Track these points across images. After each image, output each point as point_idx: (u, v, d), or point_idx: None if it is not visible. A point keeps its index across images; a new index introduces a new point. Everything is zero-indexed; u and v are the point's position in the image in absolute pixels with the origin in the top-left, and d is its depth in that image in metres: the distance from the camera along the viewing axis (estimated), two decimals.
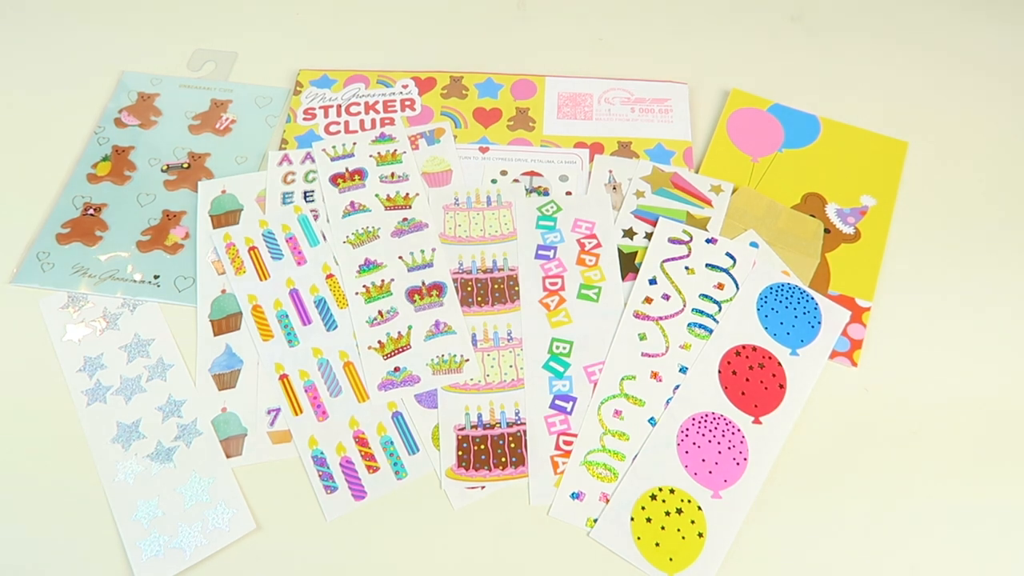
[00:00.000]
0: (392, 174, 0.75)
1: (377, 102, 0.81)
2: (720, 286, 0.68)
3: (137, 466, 0.60)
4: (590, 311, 0.67)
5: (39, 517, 0.58)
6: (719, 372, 0.64)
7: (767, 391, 0.63)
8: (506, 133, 0.79)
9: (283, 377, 0.64)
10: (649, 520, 0.58)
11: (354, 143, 0.77)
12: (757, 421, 0.62)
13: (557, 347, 0.65)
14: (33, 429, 0.62)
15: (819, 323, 0.67)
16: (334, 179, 0.74)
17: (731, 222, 0.72)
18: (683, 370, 0.64)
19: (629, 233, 0.72)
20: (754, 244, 0.71)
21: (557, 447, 0.61)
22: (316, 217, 0.72)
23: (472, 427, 0.62)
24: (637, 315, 0.67)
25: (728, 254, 0.70)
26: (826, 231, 0.72)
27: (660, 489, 0.59)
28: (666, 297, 0.68)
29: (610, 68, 0.84)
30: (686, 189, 0.74)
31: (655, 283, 0.68)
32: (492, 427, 0.62)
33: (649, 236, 0.71)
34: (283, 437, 0.62)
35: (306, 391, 0.64)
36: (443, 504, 0.59)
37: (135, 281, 0.69)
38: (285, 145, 0.77)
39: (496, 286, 0.69)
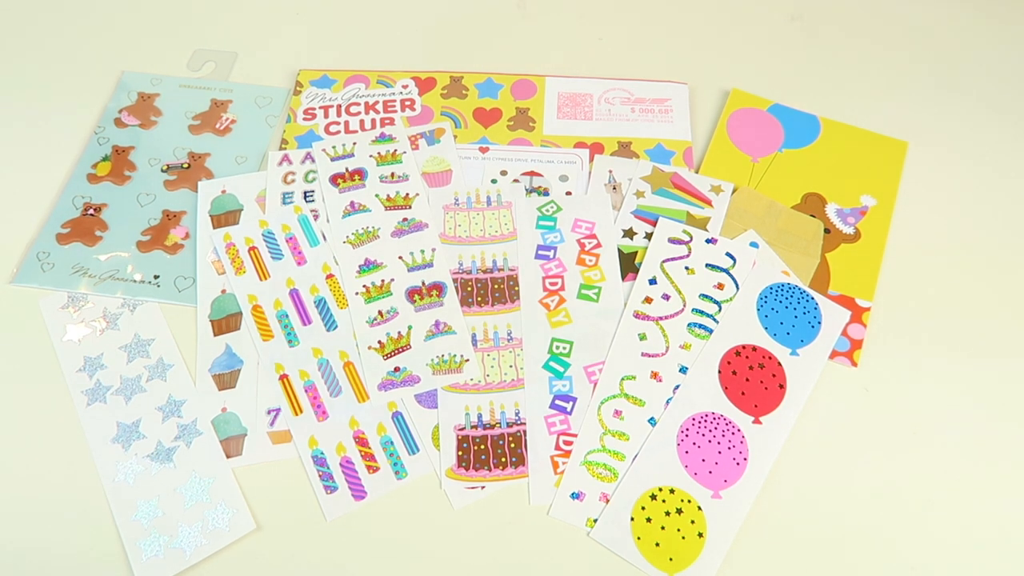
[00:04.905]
0: (392, 174, 0.75)
1: (377, 102, 0.81)
2: (720, 286, 0.68)
3: (137, 466, 0.60)
4: (590, 311, 0.67)
5: (39, 517, 0.58)
6: (719, 372, 0.64)
7: (767, 391, 0.63)
8: (506, 133, 0.79)
9: (283, 377, 0.64)
10: (649, 520, 0.58)
11: (354, 143, 0.77)
12: (757, 421, 0.62)
13: (557, 347, 0.65)
14: (33, 429, 0.62)
15: (819, 323, 0.67)
16: (334, 179, 0.74)
17: (731, 222, 0.72)
18: (683, 370, 0.64)
19: (629, 233, 0.72)
20: (754, 244, 0.71)
21: (557, 447, 0.61)
22: (316, 217, 0.72)
23: (472, 427, 0.62)
24: (637, 315, 0.67)
25: (728, 254, 0.70)
26: (826, 231, 0.72)
27: (660, 489, 0.59)
28: (666, 297, 0.68)
29: (610, 68, 0.84)
30: (686, 189, 0.74)
31: (655, 283, 0.68)
32: (492, 427, 0.62)
33: (649, 236, 0.71)
34: (283, 437, 0.62)
35: (306, 391, 0.64)
36: (443, 504, 0.59)
37: (135, 281, 0.69)
38: (285, 145, 0.77)
39: (496, 286, 0.69)
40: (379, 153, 0.76)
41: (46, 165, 0.76)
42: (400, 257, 0.70)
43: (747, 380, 0.64)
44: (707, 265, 0.69)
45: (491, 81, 0.83)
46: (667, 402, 0.63)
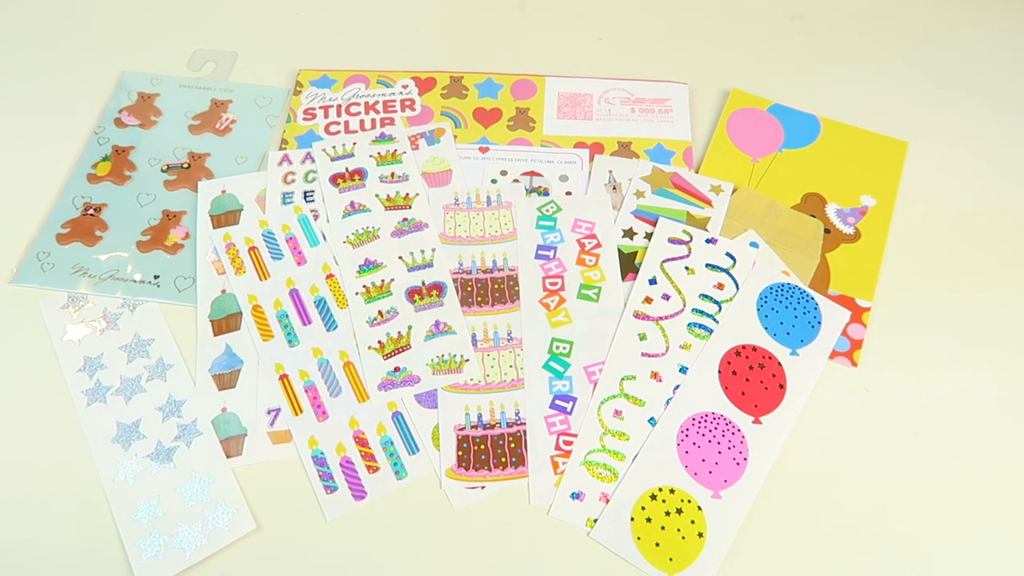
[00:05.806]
0: (392, 174, 0.75)
1: (377, 102, 0.81)
2: (720, 286, 0.68)
3: (137, 466, 0.60)
4: (590, 311, 0.67)
5: (39, 517, 0.58)
6: (719, 372, 0.64)
7: (767, 391, 0.63)
8: (506, 133, 0.79)
9: (283, 377, 0.64)
10: (649, 520, 0.58)
11: (354, 143, 0.77)
12: (757, 421, 0.62)
13: (557, 347, 0.65)
14: (33, 429, 0.62)
15: (819, 323, 0.67)
16: (334, 179, 0.74)
17: (731, 222, 0.72)
18: (683, 370, 0.64)
19: (629, 233, 0.72)
20: (754, 244, 0.71)
21: (557, 447, 0.61)
22: (316, 217, 0.72)
23: (472, 427, 0.62)
24: (637, 315, 0.67)
25: (728, 254, 0.70)
26: (826, 231, 0.72)
27: (660, 489, 0.59)
28: (666, 297, 0.68)
29: (610, 68, 0.84)
30: (686, 189, 0.74)
31: (655, 283, 0.68)
32: (492, 427, 0.62)
33: (649, 236, 0.71)
34: (283, 437, 0.62)
35: (306, 391, 0.64)
36: (443, 504, 0.59)
37: (135, 281, 0.69)
38: (285, 145, 0.77)
39: (496, 286, 0.69)
40: (379, 153, 0.76)
41: (46, 165, 0.76)
42: (400, 257, 0.70)
43: (747, 380, 0.64)
44: (707, 265, 0.69)
45: (491, 81, 0.83)
46: (667, 402, 0.63)
